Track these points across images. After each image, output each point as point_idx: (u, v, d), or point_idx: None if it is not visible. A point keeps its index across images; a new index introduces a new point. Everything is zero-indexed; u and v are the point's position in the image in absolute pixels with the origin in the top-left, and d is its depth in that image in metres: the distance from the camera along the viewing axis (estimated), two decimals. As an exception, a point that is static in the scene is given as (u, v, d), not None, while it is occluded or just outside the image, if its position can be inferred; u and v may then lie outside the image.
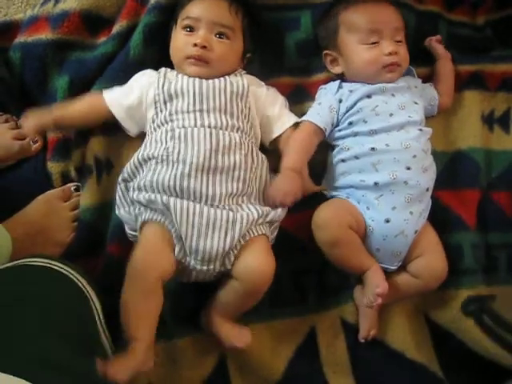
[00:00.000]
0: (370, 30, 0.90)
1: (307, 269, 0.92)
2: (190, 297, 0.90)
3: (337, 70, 0.96)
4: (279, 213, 0.85)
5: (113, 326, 0.78)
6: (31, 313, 0.62)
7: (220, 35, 0.88)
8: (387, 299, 0.87)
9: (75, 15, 0.96)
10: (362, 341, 0.92)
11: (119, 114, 0.90)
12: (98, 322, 0.76)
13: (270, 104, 0.91)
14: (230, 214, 0.80)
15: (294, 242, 0.92)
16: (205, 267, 0.81)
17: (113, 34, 0.97)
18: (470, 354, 0.92)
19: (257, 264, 0.80)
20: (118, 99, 0.90)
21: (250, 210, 0.82)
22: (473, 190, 0.98)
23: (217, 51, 0.88)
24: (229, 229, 0.79)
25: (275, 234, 0.88)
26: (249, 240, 0.81)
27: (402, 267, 0.91)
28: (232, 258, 0.81)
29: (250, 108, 0.89)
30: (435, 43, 1.01)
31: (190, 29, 0.88)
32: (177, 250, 0.80)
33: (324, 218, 0.86)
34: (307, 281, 0.93)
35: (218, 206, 0.81)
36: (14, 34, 0.98)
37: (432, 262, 0.89)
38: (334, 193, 0.91)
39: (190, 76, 0.88)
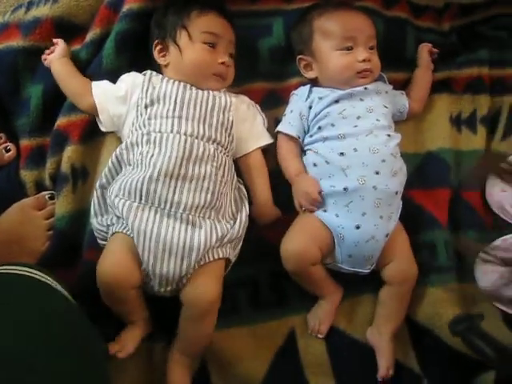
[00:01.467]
0: (345, 36, 0.93)
1: (286, 272, 0.91)
2: (170, 301, 0.90)
3: (310, 74, 0.98)
4: (236, 230, 0.86)
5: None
6: (5, 322, 0.61)
7: (231, 55, 0.93)
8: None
9: (47, 22, 0.96)
10: (380, 380, 0.91)
11: (100, 101, 0.90)
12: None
13: (246, 120, 0.92)
14: (188, 235, 0.80)
15: (272, 247, 0.92)
16: (162, 289, 0.82)
17: (86, 41, 0.97)
18: (447, 348, 0.94)
19: (202, 291, 0.81)
20: (104, 88, 0.91)
21: (211, 229, 0.82)
22: (444, 189, 1.01)
23: (230, 68, 0.92)
24: (185, 256, 0.80)
25: (239, 246, 0.89)
26: (203, 265, 0.82)
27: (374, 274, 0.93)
28: (184, 281, 0.82)
29: (232, 122, 0.90)
30: (425, 52, 1.04)
31: (213, 45, 0.89)
32: (143, 267, 0.81)
33: (290, 253, 0.88)
34: (286, 283, 0.93)
35: (181, 216, 0.81)
36: (-16, 41, 0.97)
37: (403, 266, 0.92)
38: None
39: (177, 82, 0.89)
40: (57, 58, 0.93)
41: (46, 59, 0.94)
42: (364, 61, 0.93)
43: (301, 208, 0.91)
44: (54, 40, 0.94)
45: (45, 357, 0.57)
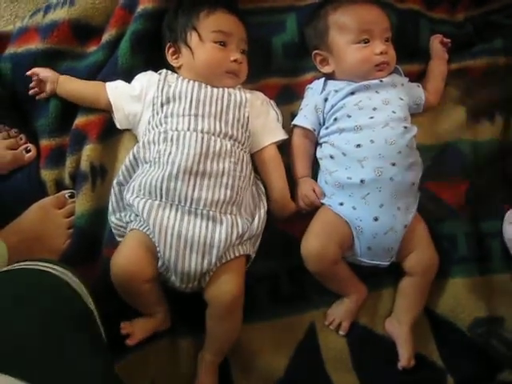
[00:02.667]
0: (361, 30, 0.93)
1: (305, 266, 0.91)
2: (194, 297, 0.90)
3: (327, 69, 0.98)
4: (255, 227, 0.86)
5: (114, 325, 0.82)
6: (31, 315, 0.62)
7: (243, 51, 0.93)
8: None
9: (64, 25, 0.98)
10: (401, 369, 0.90)
11: (115, 100, 0.91)
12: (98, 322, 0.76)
13: (260, 116, 0.93)
14: (209, 232, 0.81)
15: (291, 241, 0.93)
16: (183, 285, 0.83)
17: (102, 43, 0.98)
18: (470, 341, 0.93)
19: (225, 288, 0.81)
20: (118, 87, 0.92)
21: (232, 225, 0.82)
22: (462, 181, 1.00)
23: (243, 65, 0.93)
24: (206, 252, 0.81)
25: (258, 242, 0.89)
26: (225, 262, 0.82)
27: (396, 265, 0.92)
28: (207, 279, 0.82)
29: (248, 118, 0.90)
30: (437, 43, 1.04)
31: (223, 43, 0.90)
32: (160, 263, 0.82)
33: (309, 253, 0.88)
34: (306, 278, 0.93)
35: (201, 212, 0.82)
36: (4, 45, 1.00)
37: (423, 256, 0.91)
38: (323, 200, 0.92)
39: (192, 81, 0.89)
40: (54, 82, 0.94)
41: (41, 95, 0.95)
42: (381, 53, 0.93)
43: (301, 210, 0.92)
44: (33, 76, 0.94)
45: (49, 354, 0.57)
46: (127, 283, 0.81)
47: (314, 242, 0.88)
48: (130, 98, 0.91)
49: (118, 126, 0.93)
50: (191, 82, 0.89)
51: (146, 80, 0.91)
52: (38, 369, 0.55)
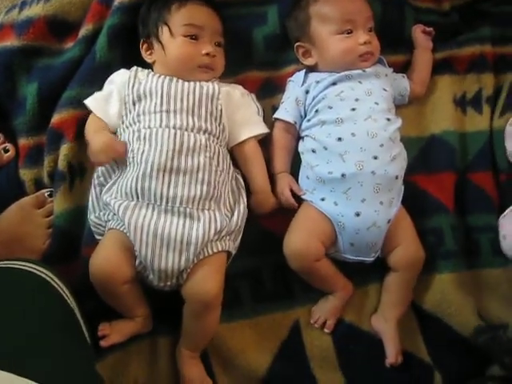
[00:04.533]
0: (344, 20, 0.91)
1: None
2: (173, 294, 0.89)
3: (309, 61, 0.96)
4: (235, 223, 0.85)
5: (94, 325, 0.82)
6: (13, 314, 0.61)
7: (218, 44, 0.91)
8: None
9: (40, 21, 0.96)
10: (388, 366, 0.89)
11: (100, 111, 0.89)
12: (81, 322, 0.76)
13: (240, 108, 0.91)
14: (186, 229, 0.79)
15: (273, 237, 0.91)
16: (161, 284, 0.82)
17: (79, 38, 0.96)
18: (457, 337, 0.91)
19: (203, 285, 0.80)
20: (96, 98, 0.89)
21: (209, 221, 0.81)
22: (449, 173, 0.98)
23: (218, 59, 0.90)
24: (183, 250, 0.79)
25: (239, 238, 0.87)
26: (202, 259, 0.81)
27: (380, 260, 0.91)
28: (185, 276, 0.81)
29: (221, 110, 0.88)
30: (419, 32, 1.01)
31: (195, 37, 0.88)
32: (137, 262, 0.81)
33: (291, 251, 0.87)
34: (290, 274, 0.91)
35: (178, 210, 0.80)
36: (-20, 43, 0.98)
37: (408, 251, 0.89)
38: (304, 196, 0.90)
39: (163, 76, 0.87)
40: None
41: None
42: (365, 43, 0.91)
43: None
44: None
45: (29, 353, 0.56)
46: (106, 284, 0.80)
47: (295, 240, 0.87)
48: (110, 101, 0.88)
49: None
50: (161, 77, 0.87)
51: (119, 80, 0.89)
52: (21, 367, 0.54)
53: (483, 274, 0.97)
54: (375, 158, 0.85)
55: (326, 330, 0.91)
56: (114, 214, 0.82)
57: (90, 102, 0.89)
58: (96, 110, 0.89)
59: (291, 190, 0.90)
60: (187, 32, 0.88)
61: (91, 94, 0.91)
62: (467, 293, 0.92)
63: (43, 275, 0.72)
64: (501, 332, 0.89)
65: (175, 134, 0.82)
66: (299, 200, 0.91)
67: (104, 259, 0.80)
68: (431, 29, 1.01)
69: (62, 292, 0.74)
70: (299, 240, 0.86)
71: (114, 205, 0.81)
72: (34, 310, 0.64)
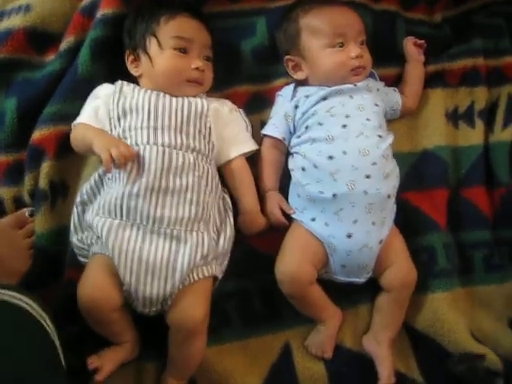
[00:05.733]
0: (335, 33, 0.88)
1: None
2: (159, 319, 0.86)
3: (300, 75, 0.93)
4: (221, 246, 0.82)
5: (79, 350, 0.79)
6: None
7: (207, 58, 0.88)
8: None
9: (19, 33, 0.92)
10: None
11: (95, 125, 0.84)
12: (60, 352, 0.73)
13: (228, 125, 0.88)
14: (172, 254, 0.77)
15: (261, 257, 0.90)
16: (146, 310, 0.79)
17: (60, 51, 0.93)
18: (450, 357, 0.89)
19: (187, 312, 0.77)
20: (97, 122, 0.84)
21: (196, 245, 0.78)
22: (441, 189, 0.97)
23: (207, 73, 0.88)
24: (168, 277, 0.77)
25: (226, 261, 0.85)
26: (188, 285, 0.78)
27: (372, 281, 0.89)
28: (169, 302, 0.78)
29: (210, 128, 0.85)
30: (410, 45, 0.99)
31: (184, 50, 0.85)
32: (124, 287, 0.78)
33: (283, 275, 0.85)
34: (279, 295, 0.88)
35: (164, 232, 0.77)
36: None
37: (401, 271, 0.87)
38: (294, 215, 0.88)
39: (150, 91, 0.84)
40: None
41: None
42: (357, 57, 0.89)
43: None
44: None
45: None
46: (96, 312, 0.77)
47: (288, 263, 0.84)
48: (97, 116, 0.84)
49: None
50: (148, 91, 0.84)
51: (104, 94, 0.85)
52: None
53: (476, 292, 0.96)
54: (367, 176, 0.83)
55: (325, 359, 0.89)
56: (98, 237, 0.79)
57: (81, 119, 0.85)
58: (90, 122, 0.84)
59: (280, 209, 0.88)
60: (176, 45, 0.85)
61: (73, 109, 0.88)
62: (460, 312, 0.91)
63: (23, 304, 0.69)
64: (477, 363, 0.88)
65: (163, 151, 0.79)
66: (289, 219, 0.89)
67: (93, 287, 0.77)
68: (423, 41, 0.99)
69: (42, 321, 0.71)
70: (291, 264, 0.84)
71: (96, 224, 0.78)
72: (12, 345, 0.61)
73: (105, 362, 0.79)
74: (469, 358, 0.88)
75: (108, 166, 0.74)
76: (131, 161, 0.77)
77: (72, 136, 0.85)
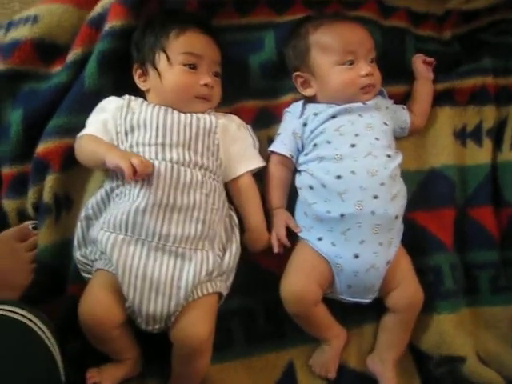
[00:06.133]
0: (346, 51, 0.88)
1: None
2: (162, 335, 0.85)
3: (309, 92, 0.92)
4: (226, 263, 0.82)
5: (81, 365, 0.79)
6: None
7: (216, 74, 0.87)
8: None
9: (27, 44, 0.91)
10: None
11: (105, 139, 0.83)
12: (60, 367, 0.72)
13: (236, 141, 0.87)
14: (176, 272, 0.76)
15: (266, 274, 0.89)
16: (150, 327, 0.78)
17: (67, 62, 0.92)
18: (457, 379, 0.89)
19: (192, 329, 0.76)
20: (106, 134, 0.83)
21: (201, 263, 0.77)
22: (449, 209, 0.96)
23: (216, 89, 0.87)
24: (173, 294, 0.76)
25: (231, 278, 0.84)
26: (191, 302, 0.77)
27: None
28: (173, 319, 0.77)
29: (218, 145, 0.84)
30: (419, 63, 0.98)
31: (193, 66, 0.84)
32: (127, 304, 0.77)
33: (289, 294, 0.84)
34: (283, 314, 0.87)
35: (169, 249, 0.77)
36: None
37: (407, 293, 0.86)
38: (301, 234, 0.87)
39: (158, 106, 0.83)
40: None
41: None
42: (367, 75, 0.88)
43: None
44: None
45: None
46: (97, 330, 0.77)
47: (293, 283, 0.84)
48: (106, 129, 0.83)
49: None
50: (156, 107, 0.83)
51: (113, 108, 0.84)
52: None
53: (482, 313, 0.96)
54: (375, 197, 0.82)
55: (329, 379, 0.88)
56: (102, 253, 0.79)
57: (87, 129, 0.84)
58: (99, 134, 0.83)
59: (287, 227, 0.87)
60: (186, 61, 0.84)
61: (79, 122, 0.87)
62: (466, 333, 0.91)
63: (23, 319, 0.69)
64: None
65: (172, 167, 0.79)
66: (295, 237, 0.88)
67: (94, 304, 0.76)
68: (432, 59, 0.98)
69: (43, 336, 0.71)
70: (297, 283, 0.83)
71: (101, 239, 0.77)
72: (10, 359, 0.61)
73: (104, 378, 0.79)
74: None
75: (130, 173, 0.73)
76: (150, 172, 0.76)
77: (79, 148, 0.84)
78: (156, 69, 0.85)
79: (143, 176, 0.76)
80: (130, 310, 0.77)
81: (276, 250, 0.86)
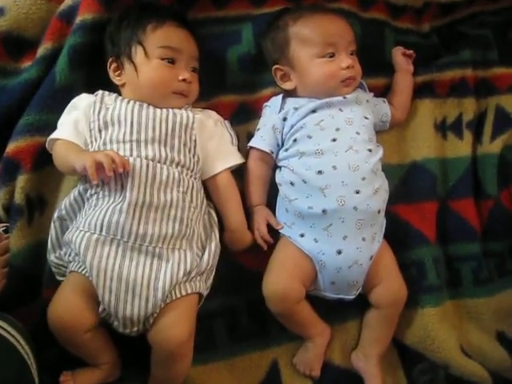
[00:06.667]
0: (326, 43, 0.86)
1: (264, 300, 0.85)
2: (140, 338, 0.83)
3: (288, 85, 0.90)
4: (205, 262, 0.79)
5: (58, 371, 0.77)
6: None
7: (194, 69, 0.85)
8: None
9: (-6, 38, 0.87)
10: None
11: (74, 140, 0.80)
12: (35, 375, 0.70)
13: (213, 138, 0.85)
14: (153, 273, 0.74)
15: (248, 273, 0.87)
16: (127, 330, 0.76)
17: (37, 57, 0.89)
18: (441, 373, 0.89)
19: (170, 331, 0.74)
20: (78, 137, 0.80)
21: (178, 262, 0.75)
22: (431, 202, 0.96)
23: (194, 85, 0.85)
24: (150, 295, 0.73)
25: (211, 277, 0.82)
26: (170, 302, 0.75)
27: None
28: (151, 321, 0.75)
29: (195, 141, 0.82)
30: (399, 55, 0.97)
31: (171, 60, 0.82)
32: (101, 308, 0.75)
33: (272, 293, 0.82)
34: (266, 312, 0.86)
35: (146, 249, 0.74)
36: None
37: (391, 289, 0.86)
38: (283, 230, 0.86)
39: (133, 101, 0.81)
40: None
41: None
42: (348, 68, 0.86)
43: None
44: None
45: None
46: (66, 334, 0.74)
47: (276, 281, 0.82)
48: (77, 129, 0.80)
49: None
50: (131, 102, 0.81)
51: (84, 105, 0.81)
52: None
53: (465, 305, 0.96)
54: (357, 192, 0.81)
55: (313, 377, 0.87)
56: (76, 255, 0.76)
57: (59, 133, 0.80)
58: (68, 137, 0.79)
59: (268, 224, 0.85)
60: (164, 55, 0.81)
61: (51, 120, 0.84)
62: (450, 327, 0.90)
63: None
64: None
65: (147, 165, 0.76)
66: (276, 234, 0.87)
67: (63, 308, 0.74)
68: (412, 51, 0.98)
69: (15, 343, 0.68)
70: (280, 281, 0.82)
71: (75, 239, 0.75)
72: None
73: (78, 381, 0.77)
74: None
75: (92, 172, 0.69)
76: (122, 167, 0.71)
77: (53, 155, 0.81)
78: (132, 62, 0.82)
79: (114, 171, 0.71)
80: (106, 313, 0.75)
81: (265, 248, 0.85)
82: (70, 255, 0.78)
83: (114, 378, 0.81)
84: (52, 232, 0.82)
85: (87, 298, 0.74)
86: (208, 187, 0.86)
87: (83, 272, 0.74)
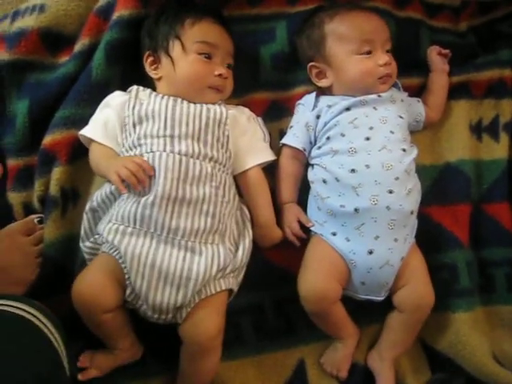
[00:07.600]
0: (363, 40, 0.85)
1: (293, 298, 0.84)
2: (168, 330, 0.84)
3: (324, 82, 0.89)
4: (239, 259, 0.80)
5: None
6: None
7: (229, 66, 0.86)
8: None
9: (33, 34, 0.89)
10: None
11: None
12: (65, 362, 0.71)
13: (246, 134, 0.85)
14: (186, 264, 0.74)
15: (277, 271, 0.87)
16: (155, 316, 0.76)
17: (74, 53, 0.90)
18: (471, 380, 0.86)
19: (201, 326, 0.75)
20: (107, 136, 0.82)
21: (212, 257, 0.75)
22: (464, 205, 0.93)
23: (229, 80, 0.86)
24: (181, 285, 0.74)
25: (242, 274, 0.82)
26: (203, 298, 0.75)
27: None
28: (183, 314, 0.75)
29: (228, 136, 0.82)
30: (435, 55, 0.96)
31: (208, 56, 0.82)
32: (128, 291, 0.75)
33: (310, 293, 0.81)
34: (294, 310, 0.86)
35: (179, 243, 0.75)
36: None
37: (416, 293, 0.83)
38: (314, 228, 0.85)
39: (167, 97, 0.82)
40: None
41: None
42: (385, 65, 0.85)
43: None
44: None
45: None
46: (86, 311, 0.75)
47: (313, 281, 0.81)
48: (106, 128, 0.82)
49: None
50: (165, 98, 0.81)
51: (117, 103, 0.82)
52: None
53: (498, 312, 0.93)
54: (390, 192, 0.80)
55: (340, 378, 0.86)
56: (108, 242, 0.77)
57: (88, 131, 0.82)
58: (99, 137, 0.82)
59: (299, 221, 0.85)
60: (201, 50, 0.82)
61: (86, 114, 0.85)
62: (482, 333, 0.88)
63: (27, 315, 0.67)
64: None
65: (180, 160, 0.77)
66: (307, 232, 0.86)
67: (87, 284, 0.75)
68: (447, 51, 0.96)
69: (45, 331, 0.69)
70: (317, 281, 0.80)
71: (109, 231, 0.76)
72: (15, 356, 0.59)
73: (94, 364, 0.79)
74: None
75: (121, 188, 0.74)
76: (147, 171, 0.74)
77: (90, 155, 0.83)
78: (170, 56, 0.83)
79: (138, 184, 0.74)
80: (134, 297, 0.76)
81: (297, 244, 0.84)
82: (102, 239, 0.78)
83: (133, 359, 0.82)
84: (85, 222, 0.83)
85: (113, 279, 0.75)
86: (238, 183, 0.86)
87: (114, 254, 0.75)
